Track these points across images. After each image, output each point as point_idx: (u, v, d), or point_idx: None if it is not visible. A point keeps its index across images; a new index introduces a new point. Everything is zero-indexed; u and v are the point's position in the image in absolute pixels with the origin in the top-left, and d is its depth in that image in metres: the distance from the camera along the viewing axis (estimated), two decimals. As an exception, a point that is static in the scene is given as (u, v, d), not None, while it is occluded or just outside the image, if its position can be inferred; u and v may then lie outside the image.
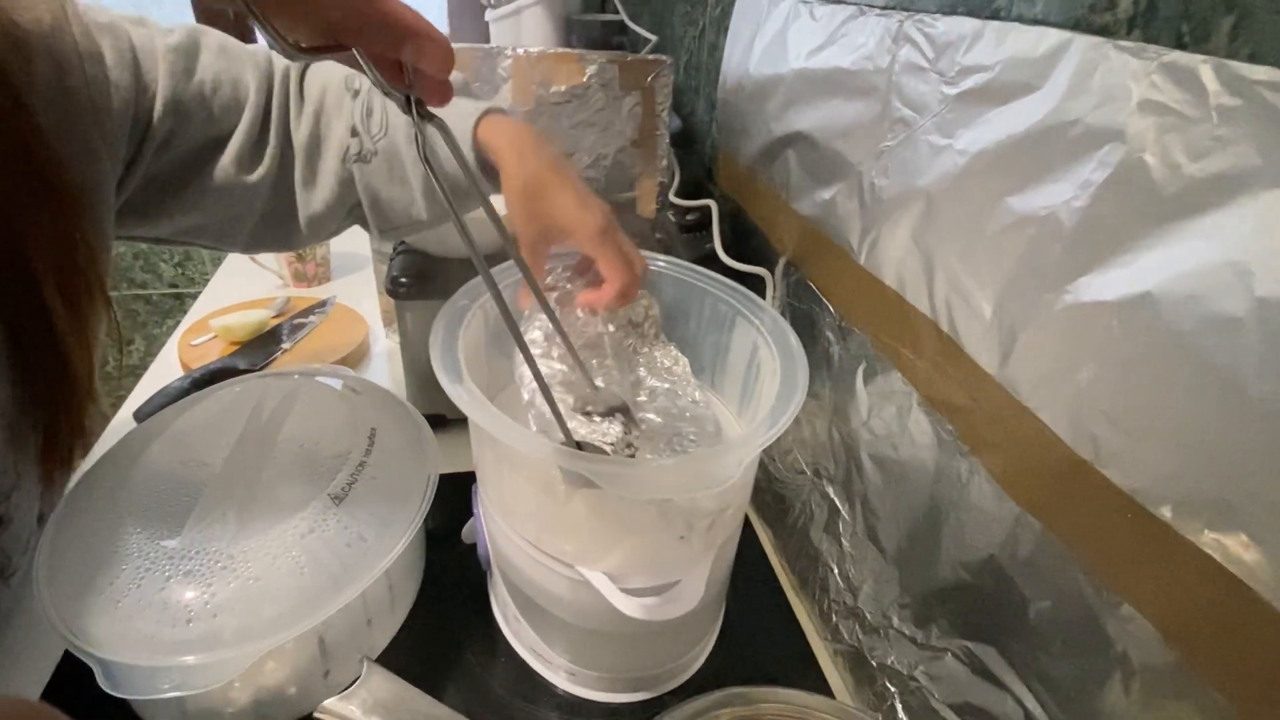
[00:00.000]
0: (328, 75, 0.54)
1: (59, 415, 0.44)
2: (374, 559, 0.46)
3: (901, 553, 0.48)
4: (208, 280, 1.11)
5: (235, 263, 1.15)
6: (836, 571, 0.56)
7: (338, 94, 0.53)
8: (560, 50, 0.77)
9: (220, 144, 0.50)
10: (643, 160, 0.84)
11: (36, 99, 0.39)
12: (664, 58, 0.79)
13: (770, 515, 0.68)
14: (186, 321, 0.96)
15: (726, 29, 0.75)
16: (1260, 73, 0.24)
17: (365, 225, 0.58)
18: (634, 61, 0.78)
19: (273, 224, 0.56)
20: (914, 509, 0.46)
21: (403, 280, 0.67)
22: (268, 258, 1.06)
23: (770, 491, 0.68)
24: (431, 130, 0.36)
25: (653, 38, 0.96)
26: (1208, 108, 0.26)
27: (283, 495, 0.47)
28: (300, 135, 0.53)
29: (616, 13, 1.01)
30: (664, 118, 0.82)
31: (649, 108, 0.81)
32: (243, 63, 0.51)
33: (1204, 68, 0.26)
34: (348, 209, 0.57)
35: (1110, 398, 0.30)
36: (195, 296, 1.06)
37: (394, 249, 0.73)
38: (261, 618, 0.41)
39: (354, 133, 0.53)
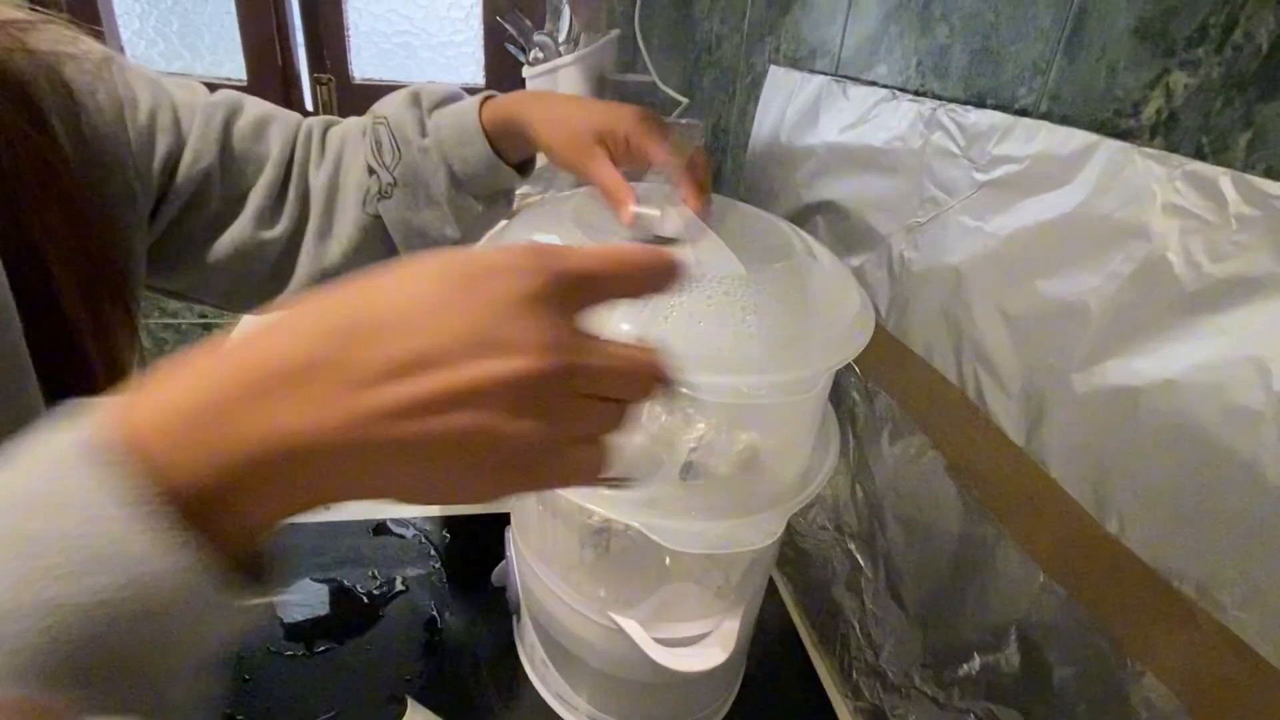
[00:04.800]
0: (348, 127, 0.56)
1: None
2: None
3: (924, 612, 0.49)
4: (239, 313, 1.14)
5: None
6: (858, 629, 0.57)
7: (355, 142, 0.55)
8: (599, 112, 0.80)
9: (241, 200, 0.51)
10: (672, 217, 0.87)
11: (62, 126, 0.41)
12: (696, 122, 0.83)
13: (791, 570, 0.69)
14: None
15: (757, 97, 0.79)
16: (1278, 189, 0.26)
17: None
18: (667, 125, 0.82)
19: (275, 283, 0.55)
20: (938, 570, 0.47)
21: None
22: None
23: (791, 545, 0.69)
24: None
25: (683, 100, 1.00)
26: (1228, 215, 0.28)
27: None
28: (318, 183, 0.54)
29: (649, 74, 1.06)
30: (694, 177, 0.85)
31: (680, 167, 0.84)
32: (271, 129, 0.53)
33: (1224, 179, 0.28)
34: (366, 260, 0.56)
35: (1136, 477, 0.32)
36: (221, 326, 1.09)
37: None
38: None
39: (370, 171, 0.54)
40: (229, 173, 0.51)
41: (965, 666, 0.44)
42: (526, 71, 1.13)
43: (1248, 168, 0.29)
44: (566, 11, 1.12)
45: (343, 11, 1.33)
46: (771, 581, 0.69)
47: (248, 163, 0.51)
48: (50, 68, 0.41)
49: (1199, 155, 0.31)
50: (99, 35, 0.46)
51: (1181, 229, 0.30)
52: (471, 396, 0.21)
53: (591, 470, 0.25)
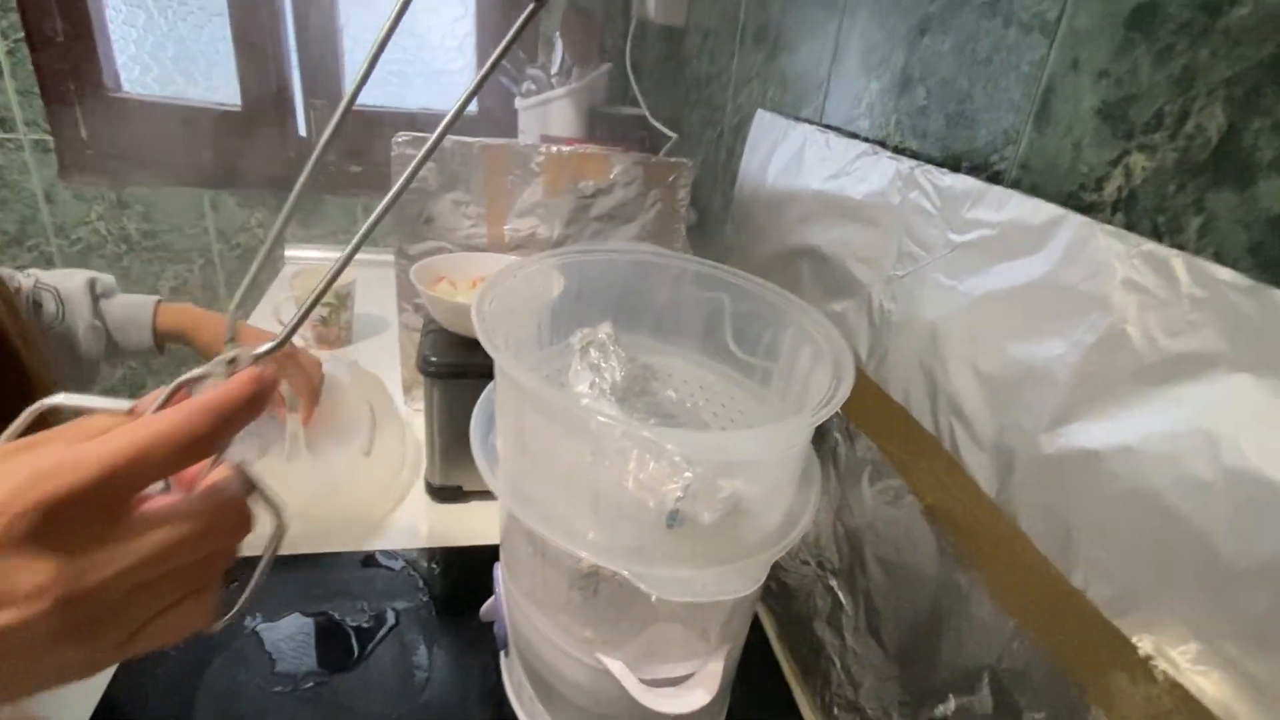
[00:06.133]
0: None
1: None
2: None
3: (903, 651, 0.50)
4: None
5: (257, 323, 1.19)
6: (839, 665, 0.58)
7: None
8: (590, 149, 0.82)
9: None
10: (661, 251, 0.89)
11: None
12: (685, 161, 0.85)
13: (774, 603, 0.71)
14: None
15: (743, 138, 0.81)
16: (1225, 274, 0.28)
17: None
18: (657, 163, 0.84)
19: None
20: (916, 611, 0.48)
21: (433, 359, 0.71)
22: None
23: (774, 579, 0.70)
24: None
25: (672, 135, 1.03)
26: (1180, 295, 0.30)
27: None
28: None
29: (639, 107, 1.08)
30: (682, 213, 0.88)
31: (669, 204, 0.87)
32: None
33: (1176, 261, 0.30)
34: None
35: (1098, 536, 0.34)
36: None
37: (424, 327, 0.77)
38: None
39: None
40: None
41: (941, 707, 0.46)
42: (519, 103, 1.15)
43: (1199, 251, 0.31)
44: (559, 44, 1.14)
45: (338, 38, 1.35)
46: (755, 615, 0.70)
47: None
48: None
49: (1155, 234, 0.33)
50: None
51: (1139, 304, 0.32)
52: None
53: (189, 626, 0.26)
